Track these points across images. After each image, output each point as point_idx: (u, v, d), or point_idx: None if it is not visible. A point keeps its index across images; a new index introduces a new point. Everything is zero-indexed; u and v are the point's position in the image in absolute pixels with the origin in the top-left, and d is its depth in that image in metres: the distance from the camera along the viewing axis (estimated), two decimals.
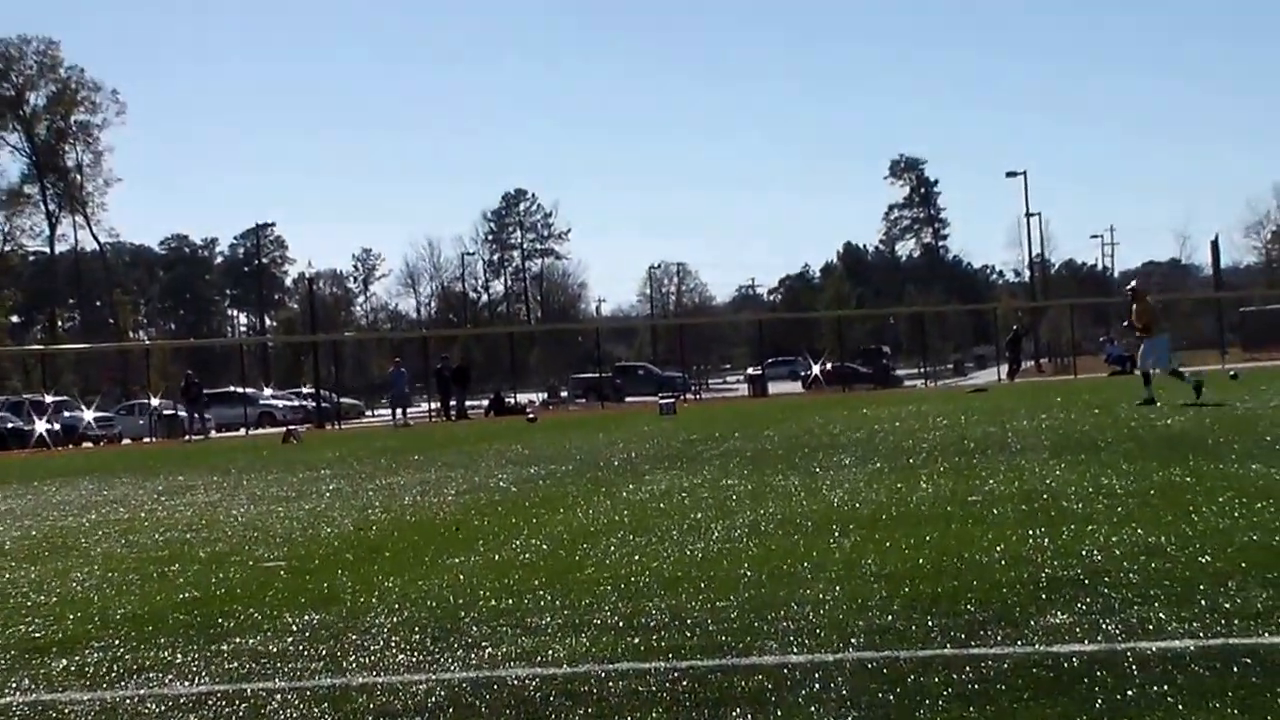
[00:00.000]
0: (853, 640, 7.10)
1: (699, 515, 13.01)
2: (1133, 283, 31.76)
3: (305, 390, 77.65)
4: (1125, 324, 29.78)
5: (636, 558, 10.40)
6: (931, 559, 9.48)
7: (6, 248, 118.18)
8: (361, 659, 7.37)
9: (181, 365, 71.52)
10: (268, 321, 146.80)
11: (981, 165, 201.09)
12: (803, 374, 74.97)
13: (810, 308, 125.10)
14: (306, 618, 8.63)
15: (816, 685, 6.22)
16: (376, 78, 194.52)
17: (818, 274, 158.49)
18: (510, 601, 8.78)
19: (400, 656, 7.38)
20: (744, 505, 13.73)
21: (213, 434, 56.24)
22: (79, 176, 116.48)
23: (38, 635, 8.60)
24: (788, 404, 48.55)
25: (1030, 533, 10.37)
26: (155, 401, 61.34)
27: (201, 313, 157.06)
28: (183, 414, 58.21)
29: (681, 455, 22.15)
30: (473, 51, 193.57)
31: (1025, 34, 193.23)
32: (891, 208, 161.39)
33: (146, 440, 57.09)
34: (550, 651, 7.27)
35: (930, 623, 7.39)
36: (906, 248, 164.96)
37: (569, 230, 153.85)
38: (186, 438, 52.85)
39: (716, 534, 11.54)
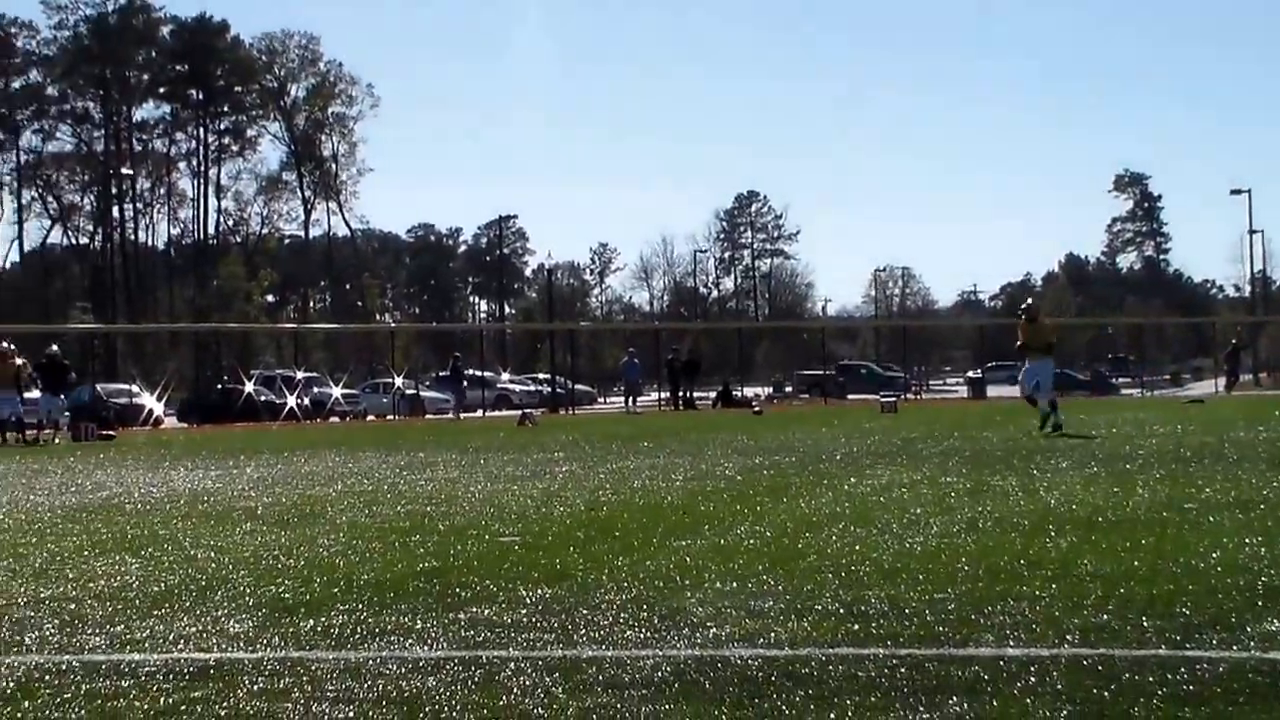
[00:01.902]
0: (1068, 637, 7.19)
1: (918, 510, 13.11)
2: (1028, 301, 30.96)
3: (541, 376, 78.67)
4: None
5: (857, 548, 10.54)
6: (1147, 562, 9.49)
7: (265, 231, 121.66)
8: (591, 633, 7.59)
9: (424, 348, 72.96)
10: (507, 309, 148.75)
11: (1206, 180, 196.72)
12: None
13: None
14: (540, 591, 8.89)
15: (1032, 679, 6.31)
16: (618, 79, 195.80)
17: (1039, 282, 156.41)
18: (734, 584, 8.97)
19: (628, 632, 7.59)
20: (962, 502, 13.79)
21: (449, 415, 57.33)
22: (334, 165, 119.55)
23: (287, 596, 8.96)
24: (1006, 407, 47.94)
25: (1247, 541, 10.31)
26: (399, 381, 62.63)
27: (444, 299, 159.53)
28: (431, 394, 59.70)
29: (901, 452, 22.17)
30: (712, 55, 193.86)
31: (1255, 48, 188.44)
32: (1115, 220, 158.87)
33: (389, 417, 58.34)
34: (772, 634, 7.43)
35: (1145, 623, 7.43)
36: (1128, 260, 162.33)
37: (798, 232, 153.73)
38: (452, 416, 53.91)
39: (935, 529, 11.64)
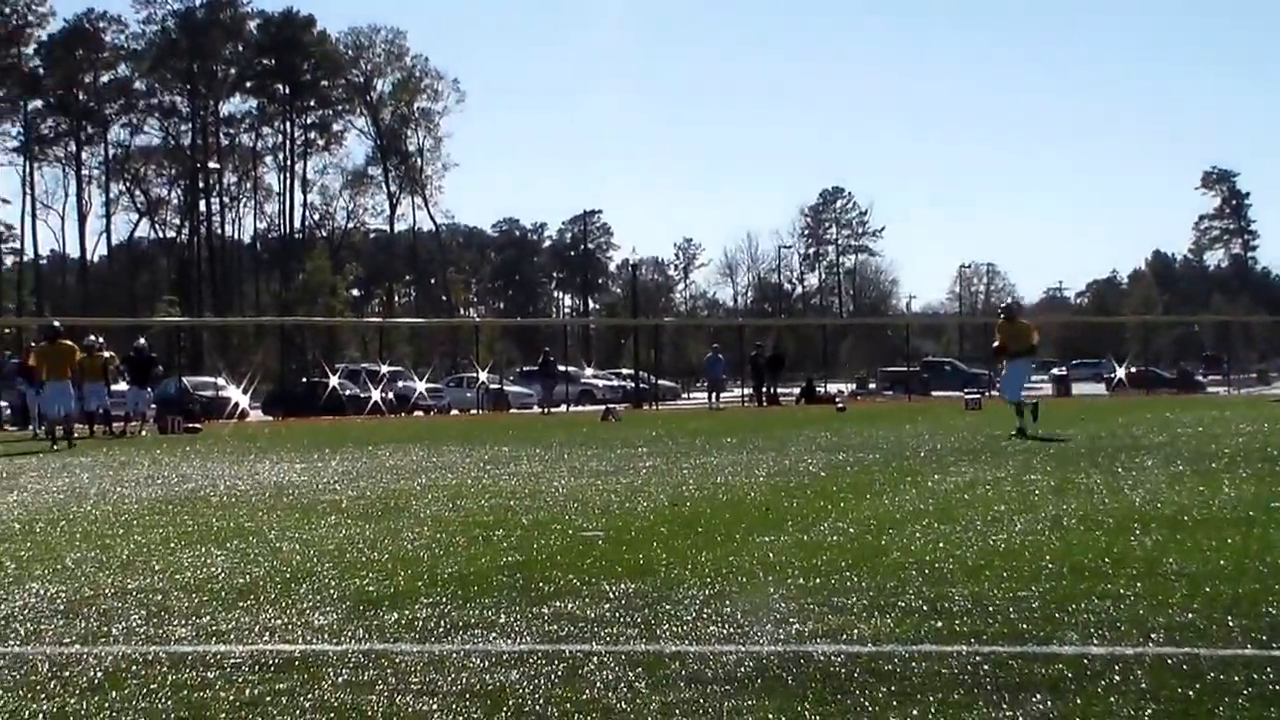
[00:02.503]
0: (1153, 636, 7.13)
1: (1002, 508, 13.03)
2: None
3: (624, 371, 78.77)
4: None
5: (940, 545, 10.50)
6: (1233, 561, 9.40)
7: (350, 225, 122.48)
8: (674, 628, 7.59)
9: (509, 343, 73.21)
10: (591, 304, 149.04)
11: None
12: (1107, 376, 73.63)
13: (1116, 312, 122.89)
14: (623, 586, 8.90)
15: (1116, 677, 6.27)
16: (704, 73, 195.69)
17: (1125, 279, 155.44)
18: (817, 581, 8.95)
19: (711, 628, 7.58)
20: (1046, 500, 13.70)
21: (535, 409, 57.61)
22: (419, 160, 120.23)
23: (372, 589, 9.00)
24: (1091, 405, 47.67)
25: None
26: (483, 376, 62.87)
27: (529, 293, 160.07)
28: (515, 389, 60.00)
29: (985, 449, 22.03)
30: (797, 49, 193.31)
31: None
32: (1202, 217, 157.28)
33: (473, 412, 58.59)
34: (855, 630, 7.41)
35: (1231, 623, 7.37)
36: (1215, 257, 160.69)
37: (883, 228, 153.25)
38: (542, 411, 54.15)
39: (1019, 526, 11.57)
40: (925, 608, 7.96)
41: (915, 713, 5.77)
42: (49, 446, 28.72)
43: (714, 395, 58.69)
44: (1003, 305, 28.24)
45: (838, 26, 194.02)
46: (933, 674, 6.42)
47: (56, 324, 33.21)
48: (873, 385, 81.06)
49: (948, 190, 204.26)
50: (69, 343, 31.53)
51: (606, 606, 8.22)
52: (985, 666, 6.52)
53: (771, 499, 14.46)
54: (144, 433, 37.44)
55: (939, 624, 7.51)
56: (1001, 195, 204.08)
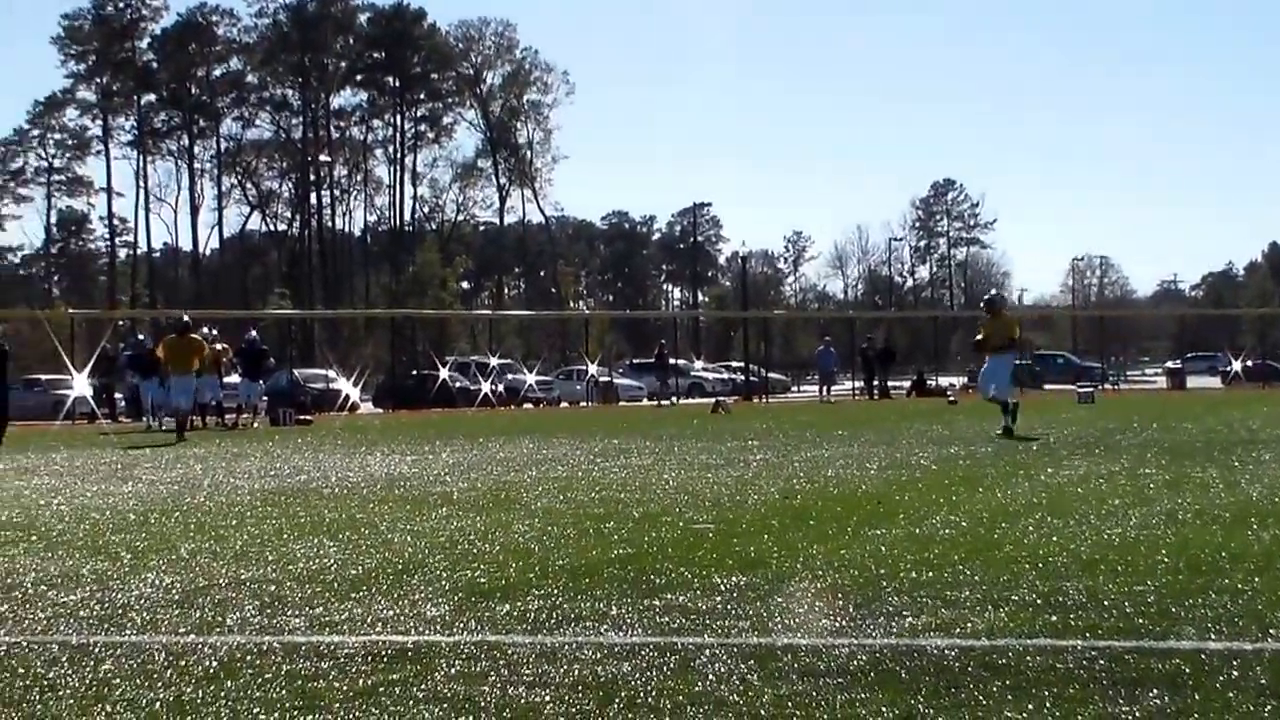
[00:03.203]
0: (1271, 631, 7.02)
1: (1116, 501, 12.91)
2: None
3: (734, 364, 78.72)
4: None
5: (1054, 539, 10.40)
6: None
7: (460, 217, 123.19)
8: (786, 620, 7.56)
9: (618, 335, 73.29)
10: (700, 297, 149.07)
11: None
12: (1223, 369, 72.67)
13: (1232, 305, 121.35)
14: (734, 579, 8.87)
15: (1234, 673, 6.17)
16: (815, 66, 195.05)
17: (1241, 271, 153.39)
18: (930, 574, 8.89)
19: (823, 620, 7.54)
20: (1161, 494, 13.57)
21: (648, 401, 57.75)
22: (529, 153, 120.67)
23: (483, 581, 9.03)
24: (1206, 398, 47.14)
25: None
26: (593, 368, 62.97)
27: (638, 286, 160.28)
28: (624, 381, 60.08)
29: (1099, 443, 21.85)
30: (907, 40, 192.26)
31: None
32: None
33: (582, 404, 58.71)
34: (969, 624, 7.34)
35: None
36: None
37: (995, 220, 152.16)
38: (659, 403, 54.22)
39: (1133, 520, 11.45)
40: (1039, 602, 7.87)
41: (1030, 707, 5.71)
42: (173, 439, 28.77)
43: (824, 388, 58.53)
44: (985, 297, 27.38)
45: (949, 14, 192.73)
46: (1047, 668, 6.35)
47: (186, 318, 33.09)
48: None
49: (1061, 182, 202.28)
50: (197, 337, 31.65)
51: (718, 599, 8.19)
52: (1101, 661, 6.45)
53: (883, 492, 14.40)
54: (256, 425, 37.85)
55: (1053, 618, 7.42)
56: (1115, 187, 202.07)
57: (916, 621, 7.46)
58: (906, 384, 63.79)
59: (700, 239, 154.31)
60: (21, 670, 6.69)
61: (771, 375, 72.54)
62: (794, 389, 78.12)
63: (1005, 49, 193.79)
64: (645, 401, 60.46)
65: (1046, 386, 66.45)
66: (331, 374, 59.87)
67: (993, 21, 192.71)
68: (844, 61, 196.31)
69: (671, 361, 63.06)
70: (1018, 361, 27.91)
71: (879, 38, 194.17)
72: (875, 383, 58.75)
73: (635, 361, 79.70)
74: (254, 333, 42.11)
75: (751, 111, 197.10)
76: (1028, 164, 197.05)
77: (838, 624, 7.47)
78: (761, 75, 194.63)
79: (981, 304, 27.45)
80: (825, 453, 20.78)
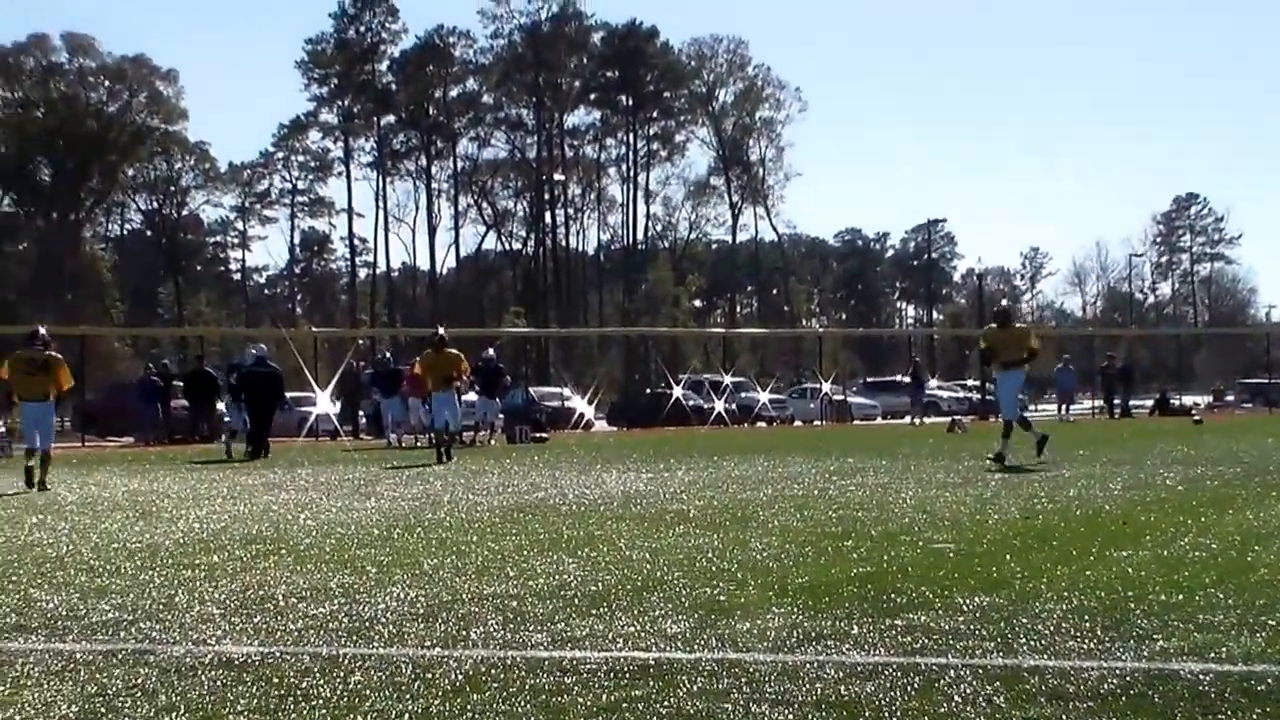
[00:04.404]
0: None
1: None
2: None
3: (970, 382, 77.85)
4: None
5: None
6: None
7: (693, 235, 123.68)
8: (1032, 642, 7.41)
9: (851, 353, 72.90)
10: (935, 315, 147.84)
11: None
12: None
13: None
14: (976, 599, 8.74)
15: None
16: (1050, 80, 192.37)
17: None
18: (1180, 597, 8.66)
19: (1070, 642, 7.38)
20: None
21: (878, 420, 57.30)
22: (761, 170, 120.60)
23: (722, 598, 9.00)
24: None
25: None
26: (826, 386, 62.72)
27: (871, 303, 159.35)
28: (858, 400, 59.76)
29: None
30: (1150, 52, 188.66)
31: None
32: None
33: (816, 423, 58.48)
34: (1224, 649, 7.13)
35: None
36: None
37: (1240, 235, 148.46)
38: (914, 421, 53.82)
39: None
40: None
41: None
42: (434, 458, 28.13)
43: (1063, 407, 57.67)
44: (996, 308, 25.92)
45: (1187, 26, 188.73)
46: None
47: (442, 332, 31.25)
48: (1230, 397, 78.52)
49: None
50: (455, 351, 30.51)
51: (960, 619, 8.08)
52: None
53: (1127, 512, 14.09)
54: (493, 442, 38.32)
55: None
56: None
57: (1168, 645, 7.27)
58: (1149, 403, 62.56)
59: (935, 256, 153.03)
60: (276, 679, 6.83)
61: None
62: (1031, 407, 76.92)
63: (1249, 61, 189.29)
64: (879, 420, 60.06)
65: None
66: (566, 392, 60.48)
67: (1234, 34, 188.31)
68: (1080, 76, 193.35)
69: (901, 379, 62.54)
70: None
71: (1115, 52, 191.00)
72: (1115, 402, 57.80)
73: (869, 380, 79.21)
74: (490, 351, 42.69)
75: (986, 127, 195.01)
76: (1275, 178, 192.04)
77: (1085, 646, 7.31)
78: (996, 91, 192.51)
79: (993, 314, 25.85)
80: (1066, 472, 20.41)
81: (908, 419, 55.42)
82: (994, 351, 24.06)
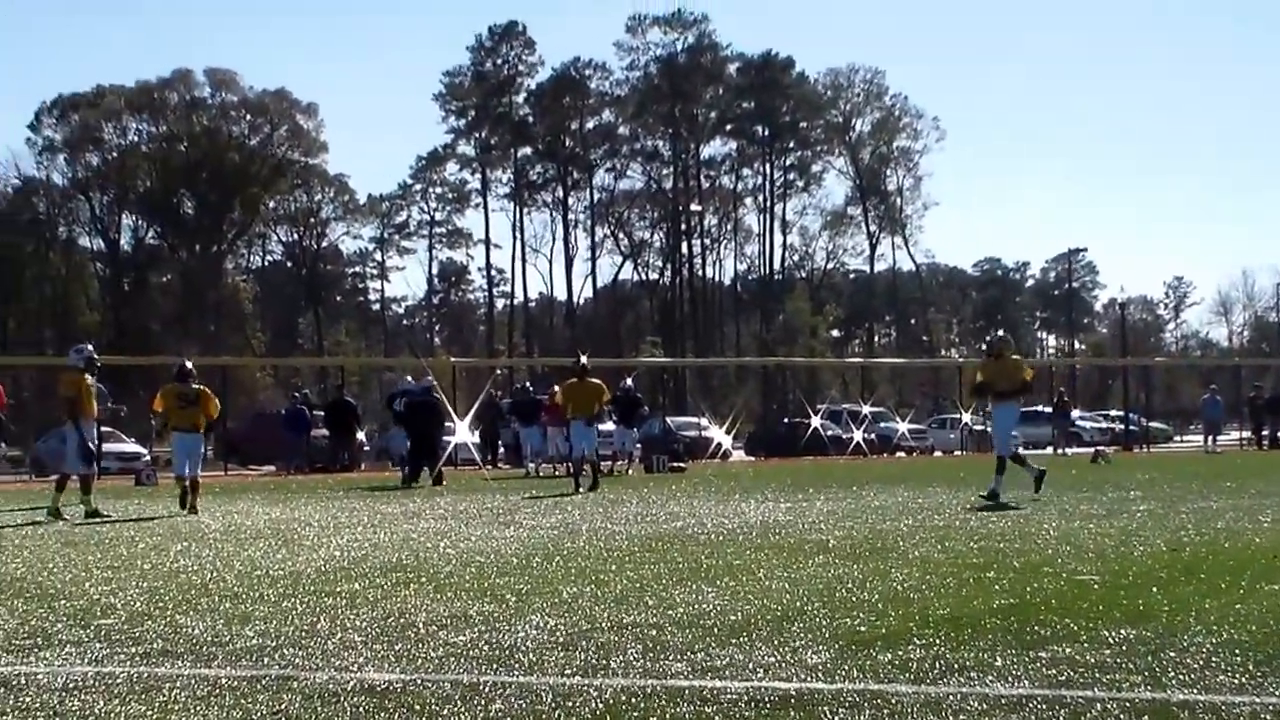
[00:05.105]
0: None
1: None
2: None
3: (1112, 413, 76.90)
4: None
5: None
6: None
7: (830, 265, 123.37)
8: (1181, 676, 7.28)
9: None
10: (1076, 344, 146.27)
11: None
12: None
13: None
14: (1122, 632, 8.59)
15: None
16: (1189, 108, 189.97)
17: None
18: None
19: (1221, 677, 7.24)
20: None
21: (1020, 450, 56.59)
22: (899, 200, 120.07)
23: (863, 629, 8.93)
24: None
25: None
26: (966, 417, 62.15)
27: (1011, 333, 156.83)
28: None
29: None
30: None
31: None
32: None
33: (956, 453, 58.03)
34: None
35: None
36: None
37: None
38: (1057, 452, 53.27)
39: None
40: None
41: None
42: (572, 487, 28.18)
43: (1210, 438, 56.85)
44: (988, 338, 25.07)
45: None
46: None
47: (584, 360, 31.38)
48: None
49: None
50: (597, 381, 30.47)
51: (1107, 652, 7.95)
52: None
53: (1278, 546, 13.81)
54: (630, 471, 38.37)
55: None
56: None
57: None
58: None
59: (1075, 285, 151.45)
60: (417, 706, 6.85)
61: (1152, 424, 70.53)
62: (1176, 439, 75.90)
63: None
64: (1021, 450, 59.41)
65: None
66: (704, 421, 60.44)
67: None
68: (1226, 103, 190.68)
69: (1044, 409, 61.90)
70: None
71: (1256, 79, 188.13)
72: (1264, 433, 56.86)
73: (1044, 410, 78.47)
74: (628, 381, 42.79)
75: (1127, 156, 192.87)
76: None
77: (1237, 681, 7.16)
78: (1137, 118, 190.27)
79: (984, 346, 25.02)
80: (1213, 504, 20.08)
81: (1049, 449, 54.77)
82: (988, 384, 23.26)
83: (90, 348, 23.83)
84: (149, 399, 25.92)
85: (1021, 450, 23.22)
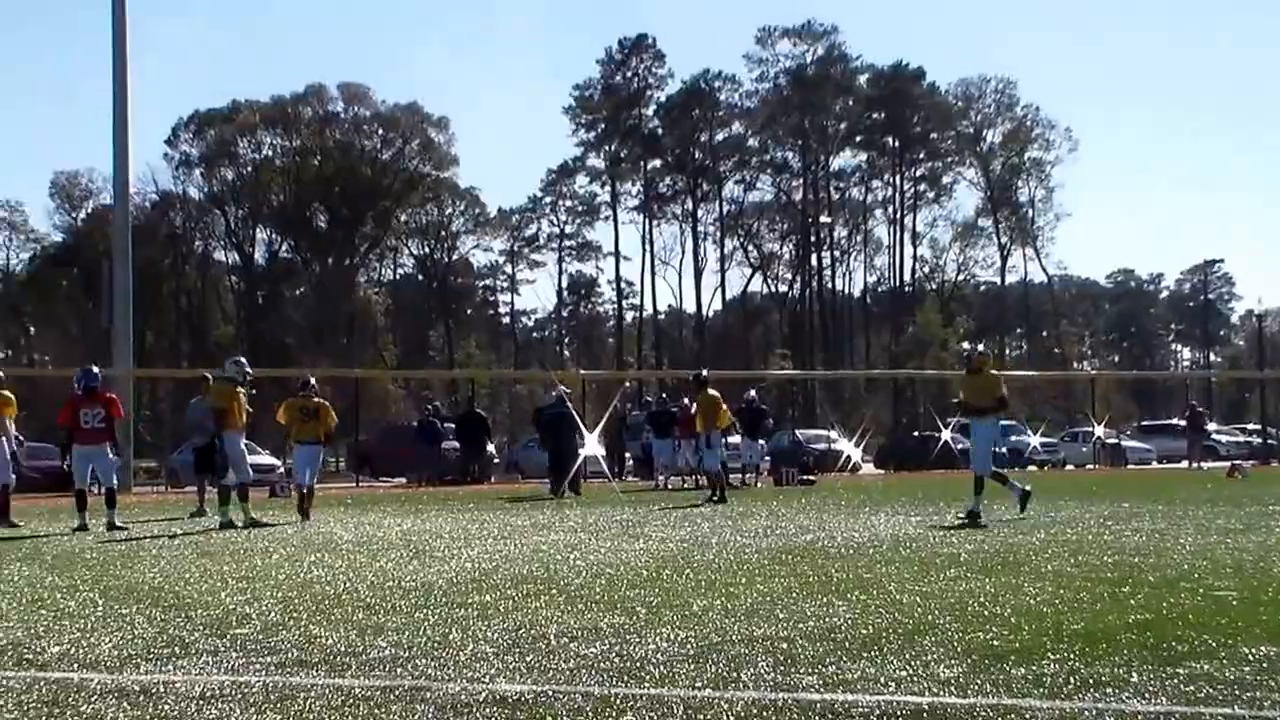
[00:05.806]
0: None
1: None
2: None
3: (1250, 426, 75.70)
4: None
5: None
6: None
7: (960, 277, 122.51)
8: None
9: (1124, 396, 71.40)
10: (1212, 357, 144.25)
11: None
12: None
13: None
14: (1262, 649, 8.45)
15: None
16: None
17: None
18: None
19: None
20: None
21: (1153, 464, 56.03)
22: (1030, 211, 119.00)
23: (996, 643, 8.85)
24: None
25: None
26: (1099, 430, 61.50)
27: (1145, 346, 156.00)
28: (1132, 444, 58.49)
29: None
30: None
31: None
32: None
33: (1089, 467, 57.40)
34: None
35: None
36: None
37: None
38: (1193, 466, 52.57)
39: None
40: None
41: None
42: (710, 497, 29.40)
43: None
44: (965, 353, 24.28)
45: None
46: None
47: (705, 372, 32.39)
48: None
49: None
50: (714, 393, 31.13)
51: (1246, 669, 7.83)
52: None
53: None
54: (759, 484, 38.30)
55: None
56: None
57: None
58: None
59: (1211, 297, 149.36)
60: (549, 718, 6.90)
61: None
62: None
63: None
64: (1155, 464, 58.73)
65: None
66: (833, 434, 60.21)
67: None
68: None
69: (1177, 423, 61.13)
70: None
71: None
72: None
73: (1144, 423, 77.49)
74: (753, 393, 42.71)
75: (1264, 164, 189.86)
76: None
77: None
78: (1270, 126, 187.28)
79: (963, 360, 24.28)
80: None
81: (1184, 463, 54.00)
82: (966, 401, 22.78)
83: (245, 360, 24.53)
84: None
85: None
